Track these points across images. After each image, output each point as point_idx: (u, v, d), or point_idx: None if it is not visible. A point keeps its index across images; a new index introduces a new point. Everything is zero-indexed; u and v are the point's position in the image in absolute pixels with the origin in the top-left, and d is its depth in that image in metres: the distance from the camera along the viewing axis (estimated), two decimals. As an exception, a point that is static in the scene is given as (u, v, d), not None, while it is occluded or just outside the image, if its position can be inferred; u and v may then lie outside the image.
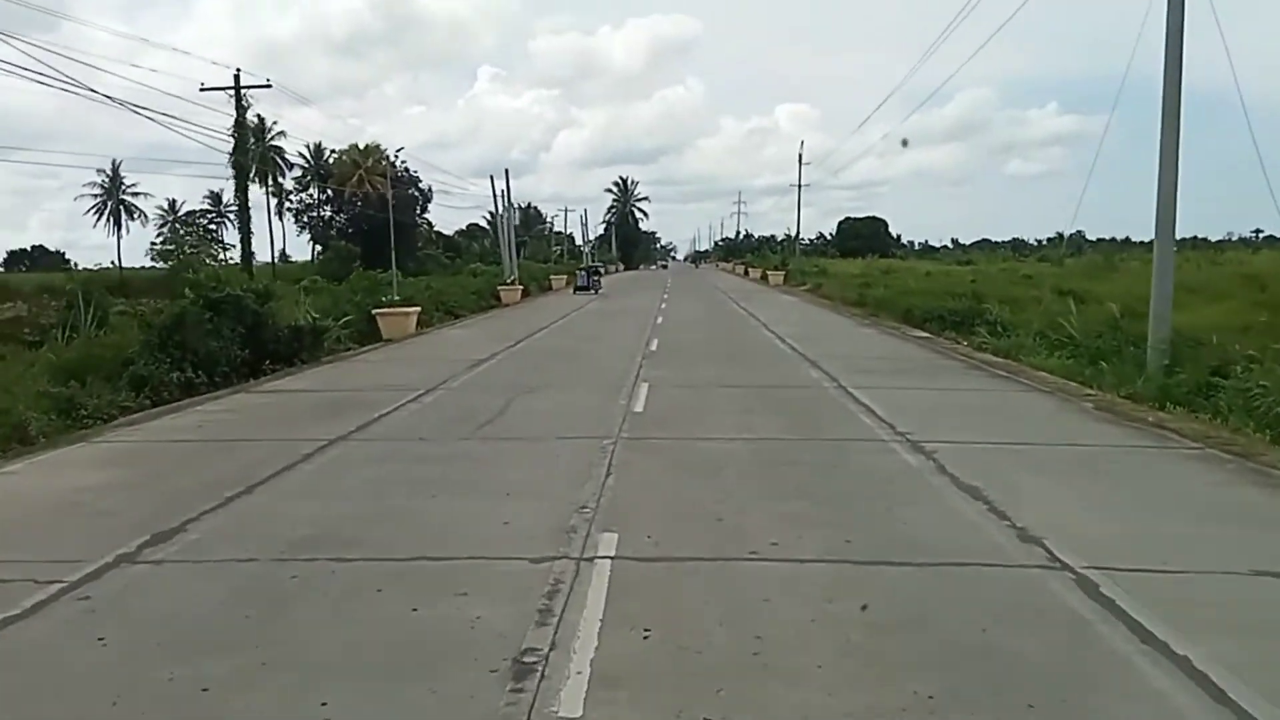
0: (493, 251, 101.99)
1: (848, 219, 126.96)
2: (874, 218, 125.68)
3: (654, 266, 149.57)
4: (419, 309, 22.76)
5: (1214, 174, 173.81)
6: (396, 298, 21.75)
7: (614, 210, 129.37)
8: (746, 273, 73.04)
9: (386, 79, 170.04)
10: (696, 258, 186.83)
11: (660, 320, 26.26)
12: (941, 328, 22.79)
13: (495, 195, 43.23)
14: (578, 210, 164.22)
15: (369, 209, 69.08)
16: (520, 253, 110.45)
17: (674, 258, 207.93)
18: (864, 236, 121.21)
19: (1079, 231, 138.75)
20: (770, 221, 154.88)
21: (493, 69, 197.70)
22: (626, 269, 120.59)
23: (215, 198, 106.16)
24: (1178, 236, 13.74)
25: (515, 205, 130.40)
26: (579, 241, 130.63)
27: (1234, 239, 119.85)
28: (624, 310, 31.36)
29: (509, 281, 37.02)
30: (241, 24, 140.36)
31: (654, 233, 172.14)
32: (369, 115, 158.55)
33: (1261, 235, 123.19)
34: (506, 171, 43.34)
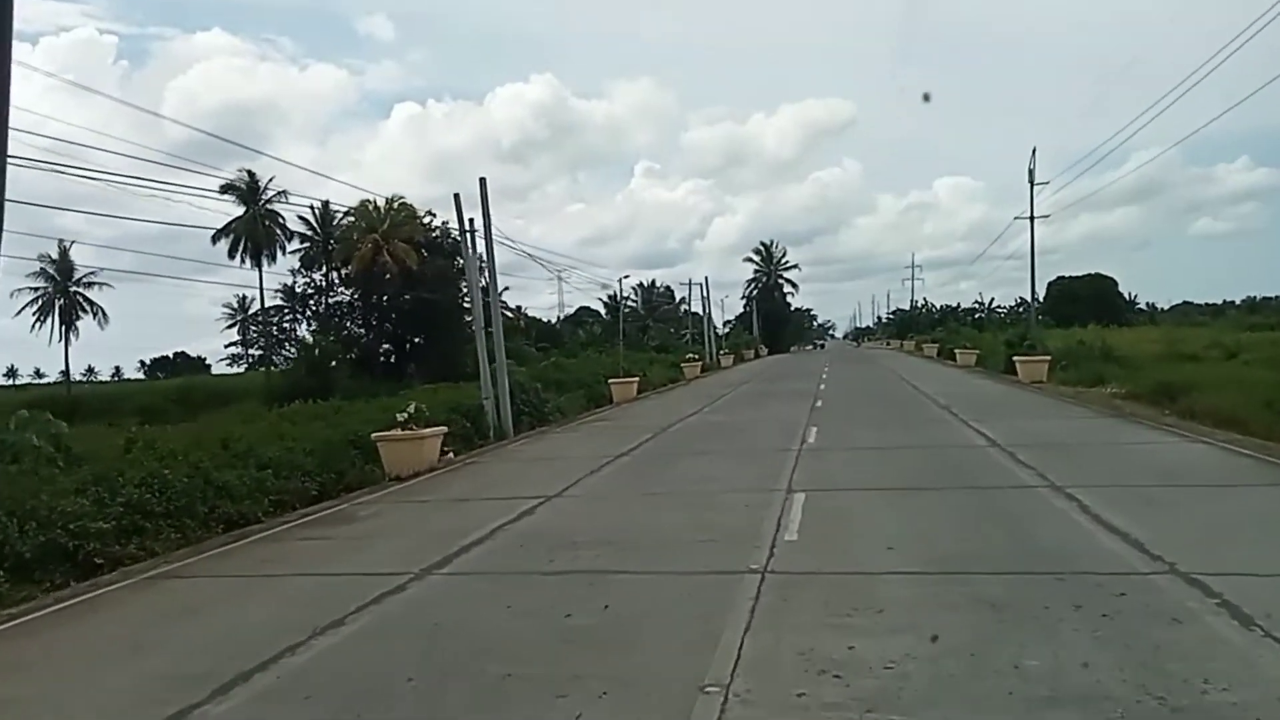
0: (603, 339, 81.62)
1: (1061, 278, 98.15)
2: (1099, 275, 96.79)
3: (809, 347, 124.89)
4: None
5: None
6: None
7: (756, 284, 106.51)
8: (949, 356, 47.93)
9: (548, 180, 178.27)
10: (858, 335, 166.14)
11: None
12: None
13: (462, 224, 21.65)
14: (728, 288, 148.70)
15: (390, 288, 49.70)
16: (642, 339, 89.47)
17: (832, 336, 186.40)
18: (1084, 299, 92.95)
19: None
20: (935, 296, 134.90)
21: (648, 163, 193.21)
22: (772, 352, 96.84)
23: (289, 291, 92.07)
24: None
25: (639, 285, 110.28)
26: (719, 322, 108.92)
27: None
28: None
29: (401, 421, 14.27)
30: (420, 141, 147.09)
31: (808, 309, 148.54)
32: (532, 215, 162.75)
33: None
34: (483, 182, 21.75)
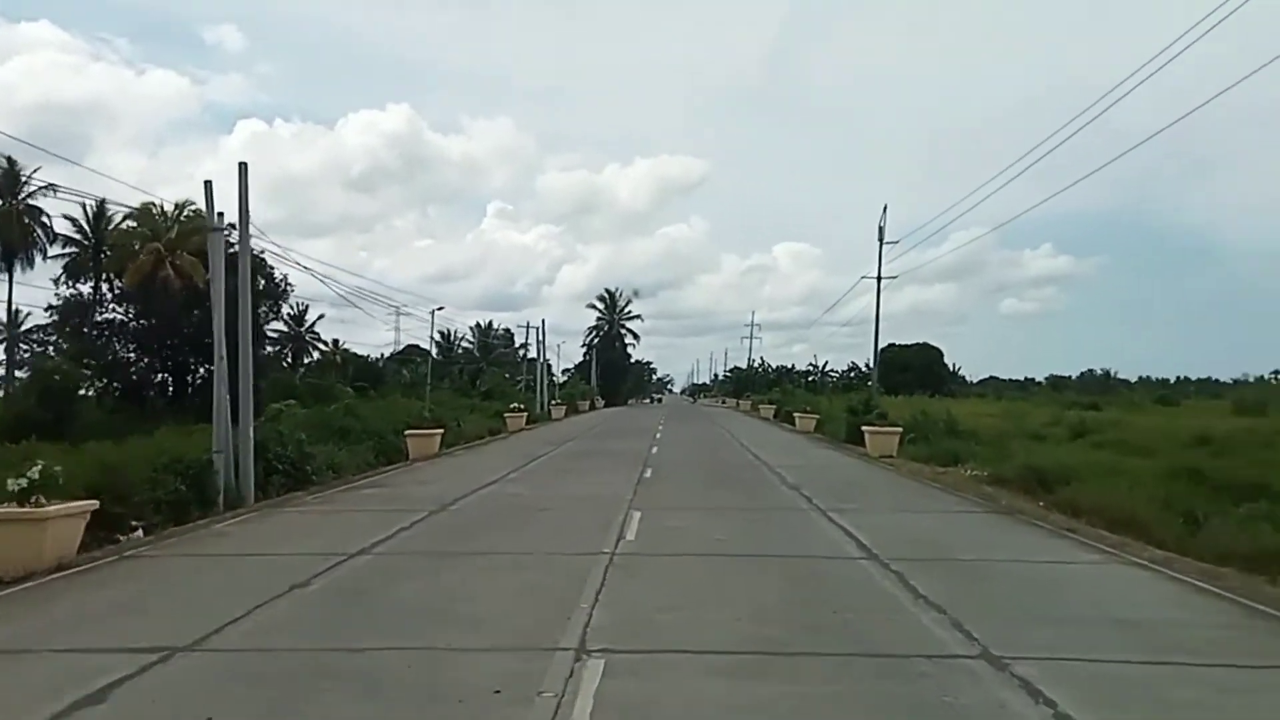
0: (420, 382, 75.61)
1: (891, 346, 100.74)
2: (927, 345, 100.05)
3: (646, 401, 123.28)
4: None
5: (1199, 318, 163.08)
6: None
7: (597, 331, 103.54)
8: (786, 419, 45.97)
9: (397, 213, 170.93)
10: (695, 391, 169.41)
11: None
12: None
13: (211, 215, 16.67)
14: (573, 336, 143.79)
15: (174, 307, 42.64)
16: (475, 384, 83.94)
17: (670, 390, 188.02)
18: (914, 368, 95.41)
19: (1107, 370, 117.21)
20: (771, 357, 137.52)
21: (501, 204, 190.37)
22: (609, 404, 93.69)
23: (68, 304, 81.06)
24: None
25: (475, 326, 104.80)
26: (558, 370, 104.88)
27: (1251, 379, 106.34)
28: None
29: (15, 492, 9.57)
30: (263, 160, 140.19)
31: (648, 362, 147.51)
32: (377, 248, 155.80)
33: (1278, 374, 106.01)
34: (242, 168, 17.02)
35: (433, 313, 52.99)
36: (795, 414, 40.58)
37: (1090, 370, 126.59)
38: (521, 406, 42.22)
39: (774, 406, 54.53)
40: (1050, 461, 17.77)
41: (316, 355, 76.37)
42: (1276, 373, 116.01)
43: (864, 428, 25.30)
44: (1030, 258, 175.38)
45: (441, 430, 26.06)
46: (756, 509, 13.59)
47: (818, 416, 39.14)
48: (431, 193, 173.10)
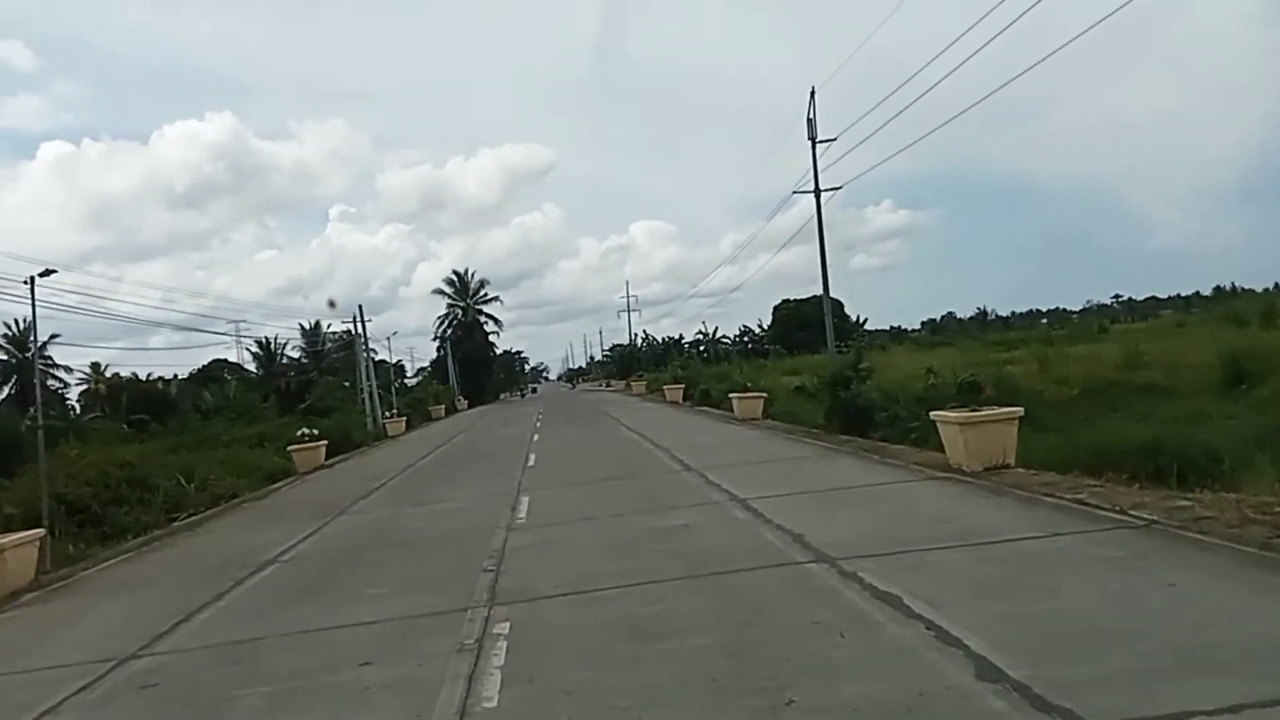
0: (235, 398, 59.42)
1: (787, 302, 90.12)
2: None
3: (518, 393, 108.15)
4: None
5: (1030, 253, 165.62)
6: None
7: (450, 320, 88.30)
8: (704, 402, 33.29)
9: (232, 227, 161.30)
10: (571, 376, 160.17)
11: None
12: None
13: None
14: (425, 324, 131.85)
15: None
16: (305, 395, 67.67)
17: (546, 378, 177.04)
18: (814, 324, 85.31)
19: (983, 309, 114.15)
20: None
21: (344, 207, 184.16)
22: (475, 404, 79.09)
23: None
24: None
25: (300, 327, 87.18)
26: (410, 370, 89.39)
27: (1095, 305, 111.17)
28: None
29: None
30: (74, 185, 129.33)
31: (519, 351, 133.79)
32: (217, 266, 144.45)
33: (1120, 299, 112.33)
34: None
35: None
36: (732, 396, 27.70)
37: (951, 313, 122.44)
38: (315, 435, 27.54)
39: (681, 386, 41.78)
40: None
41: (77, 390, 58.82)
42: (1116, 297, 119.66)
43: (936, 413, 12.57)
44: (874, 214, 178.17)
45: (39, 535, 11.65)
46: None
47: (764, 396, 26.58)
48: (267, 202, 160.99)
